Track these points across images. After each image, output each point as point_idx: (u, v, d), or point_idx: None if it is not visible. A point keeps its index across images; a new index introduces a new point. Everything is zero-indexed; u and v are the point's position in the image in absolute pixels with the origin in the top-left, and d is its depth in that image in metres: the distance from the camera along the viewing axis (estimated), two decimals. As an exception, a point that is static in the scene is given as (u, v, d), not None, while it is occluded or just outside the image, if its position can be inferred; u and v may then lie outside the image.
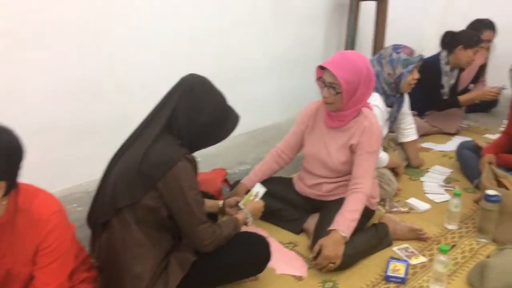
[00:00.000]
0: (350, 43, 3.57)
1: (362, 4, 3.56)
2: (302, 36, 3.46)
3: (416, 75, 2.47)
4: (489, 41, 3.59)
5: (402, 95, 2.59)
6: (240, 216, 1.79)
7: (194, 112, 1.54)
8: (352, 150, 2.00)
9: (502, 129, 2.65)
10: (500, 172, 2.24)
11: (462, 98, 3.33)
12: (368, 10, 3.60)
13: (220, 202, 2.01)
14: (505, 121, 2.64)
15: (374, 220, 2.20)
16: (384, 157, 2.47)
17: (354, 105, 1.95)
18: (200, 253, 1.58)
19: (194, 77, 1.61)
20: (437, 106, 3.36)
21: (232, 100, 1.70)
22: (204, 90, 1.59)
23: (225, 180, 2.39)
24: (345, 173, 2.05)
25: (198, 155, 1.67)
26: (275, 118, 3.44)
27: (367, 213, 2.08)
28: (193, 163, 1.57)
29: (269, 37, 3.23)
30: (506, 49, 3.73)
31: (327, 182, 2.10)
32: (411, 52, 2.44)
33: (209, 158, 2.60)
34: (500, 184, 2.17)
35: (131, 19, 2.47)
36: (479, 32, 3.44)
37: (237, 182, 2.25)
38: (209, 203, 1.99)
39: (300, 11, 3.38)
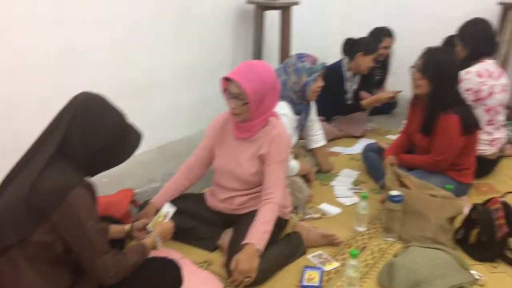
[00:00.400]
0: (257, 52, 3.60)
1: (267, 13, 3.60)
2: (208, 45, 3.42)
3: (320, 82, 2.53)
4: (389, 47, 3.82)
5: (309, 102, 2.65)
6: (148, 240, 1.69)
7: (89, 134, 1.42)
8: (262, 160, 1.98)
9: (401, 129, 2.80)
10: (401, 172, 2.36)
11: (364, 102, 3.50)
12: (273, 19, 3.65)
13: (127, 226, 1.89)
14: (404, 121, 2.80)
15: (288, 228, 2.21)
16: (294, 165, 2.50)
17: (262, 115, 1.94)
18: (104, 287, 1.46)
19: (88, 95, 1.49)
20: (342, 111, 3.49)
21: (135, 115, 1.61)
22: (99, 109, 1.47)
23: (133, 201, 2.26)
24: (257, 184, 2.04)
25: (103, 175, 1.55)
26: (184, 131, 3.35)
27: (280, 223, 2.07)
28: (90, 189, 1.45)
29: (172, 47, 3.14)
30: (402, 54, 3.99)
31: (239, 195, 2.06)
32: (314, 60, 2.49)
33: (115, 178, 2.46)
34: (402, 184, 2.28)
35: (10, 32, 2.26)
36: (379, 40, 3.64)
37: (146, 202, 2.14)
38: (115, 229, 1.86)
39: (205, 19, 3.33)
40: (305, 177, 2.68)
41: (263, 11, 3.53)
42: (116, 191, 2.36)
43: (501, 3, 3.68)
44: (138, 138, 1.57)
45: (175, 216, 1.88)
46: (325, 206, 2.52)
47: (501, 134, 2.81)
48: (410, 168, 2.56)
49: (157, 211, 1.94)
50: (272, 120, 2.00)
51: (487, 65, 2.70)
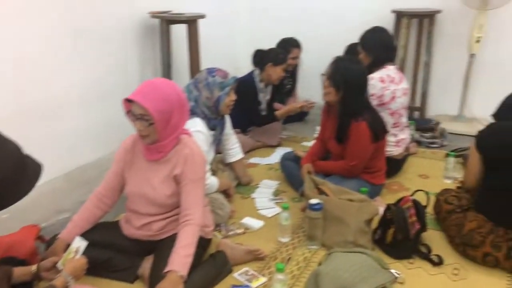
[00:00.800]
0: (166, 68, 3.50)
1: (174, 27, 3.53)
2: (113, 64, 3.26)
3: (233, 96, 2.51)
4: (297, 57, 3.92)
5: (223, 117, 2.61)
6: (58, 281, 1.54)
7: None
8: (177, 181, 1.90)
9: (316, 135, 2.87)
10: (318, 179, 2.40)
11: (278, 113, 3.56)
12: (180, 33, 3.58)
13: (34, 267, 1.70)
14: (318, 128, 2.86)
15: (212, 248, 2.14)
16: (213, 182, 2.44)
17: (171, 134, 1.86)
18: None
19: (-27, 128, 1.32)
20: (257, 122, 3.51)
21: (38, 141, 1.45)
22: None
23: (40, 237, 2.06)
24: (175, 206, 1.95)
25: (5, 212, 1.37)
26: (93, 155, 3.15)
27: (203, 243, 2.00)
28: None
29: (75, 68, 2.94)
30: (310, 62, 4.12)
31: (157, 219, 1.96)
32: (225, 74, 2.46)
33: (18, 213, 2.22)
34: (321, 191, 2.32)
35: None
36: (287, 50, 3.72)
37: (54, 237, 1.95)
38: (19, 271, 1.67)
39: (109, 37, 3.18)
40: (226, 192, 2.63)
41: (169, 25, 3.45)
42: (19, 227, 2.12)
43: (394, 11, 3.94)
44: (38, 169, 1.42)
45: (87, 250, 1.73)
46: (248, 220, 2.49)
47: (405, 135, 2.99)
48: (327, 174, 2.63)
49: (67, 246, 1.78)
50: (184, 138, 1.93)
51: (389, 71, 2.86)
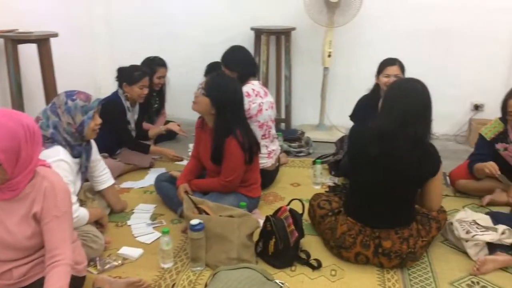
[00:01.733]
0: (18, 91, 3.14)
1: (22, 47, 3.19)
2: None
3: (98, 120, 2.33)
4: (163, 76, 3.82)
5: (88, 142, 2.41)
6: None
7: None
8: (37, 219, 1.67)
9: (190, 153, 2.82)
10: (197, 199, 2.35)
11: (150, 132, 3.45)
12: (31, 53, 3.25)
13: None
14: (191, 145, 2.82)
15: (87, 286, 1.95)
16: (82, 213, 2.23)
17: (24, 169, 1.61)
18: None
19: None
20: (130, 144, 3.34)
21: None
22: None
23: None
24: (38, 248, 1.71)
25: None
26: None
27: (76, 283, 1.81)
28: None
29: None
30: (176, 81, 4.08)
31: (18, 265, 1.70)
32: (87, 97, 2.28)
33: None
34: (200, 211, 2.27)
35: None
36: (152, 69, 3.62)
37: None
38: None
39: None
40: (98, 222, 2.44)
41: (16, 45, 3.11)
42: None
43: (253, 29, 4.11)
44: None
45: None
46: (126, 250, 2.33)
47: (275, 146, 3.11)
48: (205, 192, 2.60)
49: None
50: (41, 170, 1.70)
51: (253, 85, 2.96)
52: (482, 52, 4.10)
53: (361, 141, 2.14)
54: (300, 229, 2.22)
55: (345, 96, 4.11)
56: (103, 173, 2.62)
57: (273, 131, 3.08)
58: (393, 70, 3.08)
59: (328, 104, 4.29)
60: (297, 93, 4.45)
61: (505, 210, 2.75)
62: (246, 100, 2.82)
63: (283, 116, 4.41)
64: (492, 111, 4.17)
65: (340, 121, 4.15)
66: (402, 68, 3.12)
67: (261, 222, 2.31)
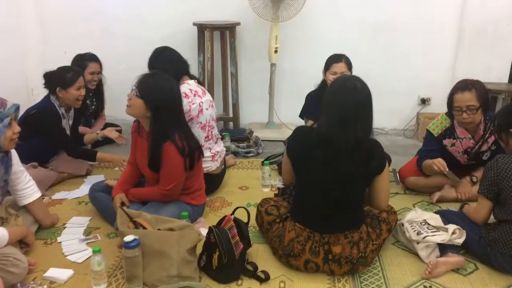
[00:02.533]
0: None
1: None
2: None
3: (16, 128, 2.08)
4: (96, 72, 3.54)
5: (7, 153, 2.15)
6: None
7: None
8: None
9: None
10: (133, 211, 2.15)
11: (86, 138, 3.24)
12: None
13: None
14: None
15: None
16: (1, 233, 1.98)
17: None
18: None
19: None
20: (73, 153, 3.05)
21: None
22: None
23: None
24: None
25: None
26: None
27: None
28: None
29: None
30: (115, 81, 3.82)
31: None
32: (2, 103, 2.02)
33: None
34: (136, 225, 2.07)
35: None
36: (82, 66, 3.34)
37: None
38: None
39: None
40: (23, 242, 2.18)
41: None
42: None
43: (196, 24, 3.91)
44: None
45: None
46: (53, 272, 2.08)
47: (220, 147, 2.94)
48: (143, 202, 2.39)
49: None
50: None
51: (190, 85, 2.75)
52: (427, 45, 4.11)
53: (305, 144, 2.03)
54: (246, 239, 2.07)
55: (293, 92, 4.03)
56: (28, 186, 2.35)
57: (215, 131, 2.90)
58: (339, 67, 2.98)
59: (276, 101, 4.17)
60: (245, 91, 4.29)
61: (454, 206, 2.72)
62: (185, 101, 2.63)
63: (230, 114, 4.25)
64: (439, 105, 4.21)
65: (289, 119, 4.03)
66: (349, 64, 3.03)
67: (204, 232, 2.14)
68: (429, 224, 2.29)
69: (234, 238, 2.01)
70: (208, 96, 2.84)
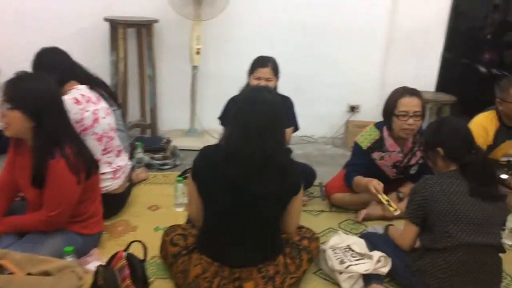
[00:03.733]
0: None
1: None
2: None
3: None
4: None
5: None
6: None
7: None
8: None
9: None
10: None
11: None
12: None
13: None
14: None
15: None
16: None
17: None
18: None
19: None
20: None
21: None
22: None
23: None
24: None
25: None
26: None
27: None
28: None
29: None
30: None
31: None
32: None
33: None
34: (2, 268, 1.67)
35: None
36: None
37: None
38: None
39: None
40: None
41: None
42: None
43: (107, 20, 3.48)
44: None
45: None
46: None
47: (123, 161, 2.54)
48: (21, 233, 1.98)
49: None
50: None
51: (81, 90, 2.33)
52: (357, 51, 3.96)
53: (211, 164, 1.77)
54: (140, 281, 1.74)
55: (218, 97, 3.67)
56: None
57: (116, 142, 2.47)
58: (264, 72, 2.71)
59: (199, 106, 3.84)
60: (165, 95, 3.93)
61: (381, 223, 2.55)
62: (77, 109, 2.23)
63: (148, 121, 3.86)
64: (368, 113, 4.10)
65: (213, 125, 3.69)
66: (275, 70, 2.76)
67: (93, 267, 1.78)
68: (353, 251, 2.08)
69: (124, 281, 1.67)
70: (103, 103, 2.44)
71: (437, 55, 4.02)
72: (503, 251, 1.87)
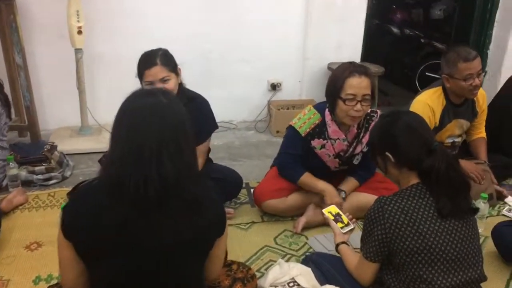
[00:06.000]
0: None
1: None
2: None
3: None
4: None
5: None
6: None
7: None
8: None
9: None
10: None
11: None
12: None
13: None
14: None
15: None
16: None
17: None
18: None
19: None
20: None
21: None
22: None
23: None
24: None
25: None
26: None
27: None
28: None
29: None
30: None
31: None
32: None
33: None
34: None
35: None
36: None
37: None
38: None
39: None
40: None
41: None
42: None
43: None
44: None
45: None
46: None
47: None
48: None
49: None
50: None
51: None
52: (273, 22, 3.45)
53: (89, 211, 1.19)
54: None
55: (114, 85, 3.09)
56: None
57: None
58: (154, 73, 1.98)
59: (90, 98, 3.13)
60: (44, 87, 3.16)
61: (325, 230, 2.14)
62: None
63: (25, 122, 3.07)
64: (291, 91, 3.67)
65: (111, 120, 3.04)
66: (169, 64, 2.03)
67: None
68: (299, 285, 1.63)
69: None
70: None
71: (359, 22, 3.62)
72: (485, 279, 1.49)
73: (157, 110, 1.21)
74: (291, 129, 2.19)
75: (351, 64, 2.08)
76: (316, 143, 2.15)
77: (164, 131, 1.19)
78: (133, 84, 2.07)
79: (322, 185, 2.14)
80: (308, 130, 2.14)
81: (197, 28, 3.24)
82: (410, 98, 2.56)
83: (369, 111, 2.14)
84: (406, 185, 1.48)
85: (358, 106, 1.98)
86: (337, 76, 2.02)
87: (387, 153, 1.50)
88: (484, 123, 2.65)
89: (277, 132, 3.40)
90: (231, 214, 2.25)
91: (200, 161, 2.15)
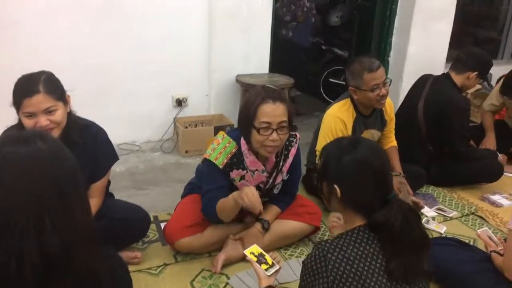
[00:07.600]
0: None
1: None
2: None
3: None
4: None
5: None
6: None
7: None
8: None
9: None
10: None
11: None
12: None
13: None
14: None
15: None
16: None
17: None
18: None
19: None
20: None
21: None
22: None
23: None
24: None
25: None
26: None
27: None
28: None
29: None
30: None
31: None
32: None
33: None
34: None
35: None
36: None
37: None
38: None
39: None
40: None
41: None
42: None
43: None
44: None
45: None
46: None
47: None
48: None
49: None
50: None
51: None
52: (174, 33, 3.19)
53: None
54: None
55: None
56: None
57: None
58: (34, 103, 1.58)
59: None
60: None
61: (246, 267, 1.93)
62: None
63: None
64: (198, 106, 3.42)
65: None
66: (53, 90, 1.63)
67: None
68: None
69: None
70: None
71: (265, 31, 3.47)
72: None
73: (33, 163, 0.92)
74: (207, 163, 1.92)
75: (264, 89, 1.87)
76: (235, 174, 1.92)
77: (44, 191, 0.91)
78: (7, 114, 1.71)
79: (234, 193, 1.82)
80: (225, 160, 1.89)
81: (87, 41, 2.87)
82: (317, 105, 2.48)
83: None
84: (350, 225, 1.28)
85: (274, 135, 1.77)
86: (249, 103, 1.80)
87: (335, 186, 1.28)
88: (393, 131, 2.66)
89: (186, 152, 3.14)
90: (138, 258, 1.95)
91: (97, 201, 1.83)
